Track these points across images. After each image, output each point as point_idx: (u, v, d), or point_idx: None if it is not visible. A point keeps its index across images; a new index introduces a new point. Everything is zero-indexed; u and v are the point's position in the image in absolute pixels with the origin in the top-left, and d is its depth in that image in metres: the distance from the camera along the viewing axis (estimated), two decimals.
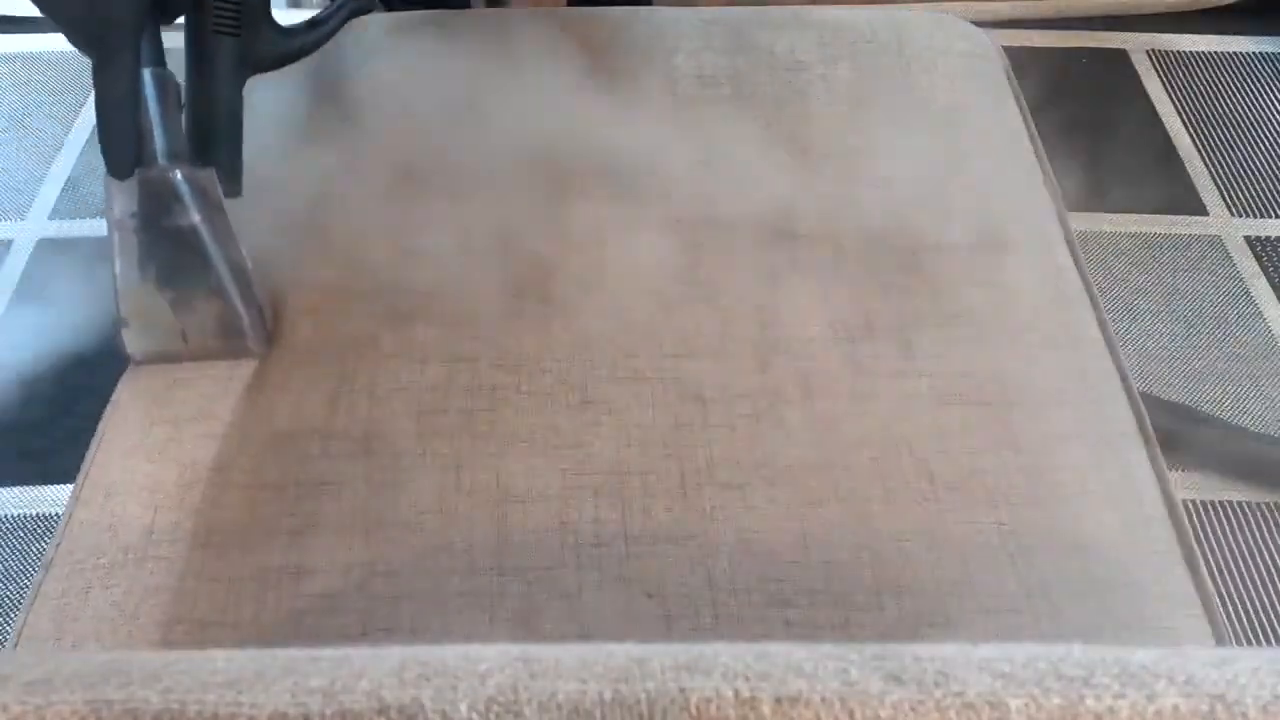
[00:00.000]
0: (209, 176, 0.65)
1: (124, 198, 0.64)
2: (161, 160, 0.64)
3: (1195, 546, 0.63)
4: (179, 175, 0.64)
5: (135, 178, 0.63)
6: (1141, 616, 0.59)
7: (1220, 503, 1.19)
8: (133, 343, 0.68)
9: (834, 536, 0.61)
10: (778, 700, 0.29)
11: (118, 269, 0.66)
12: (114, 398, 0.69)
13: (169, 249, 0.65)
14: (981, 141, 0.83)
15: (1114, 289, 1.39)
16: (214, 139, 0.68)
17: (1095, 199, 1.49)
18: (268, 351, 0.69)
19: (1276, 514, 1.18)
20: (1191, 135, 1.59)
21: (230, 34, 0.66)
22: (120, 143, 0.62)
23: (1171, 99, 1.65)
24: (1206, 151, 1.57)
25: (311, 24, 0.72)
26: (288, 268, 0.73)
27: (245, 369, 0.69)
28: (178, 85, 0.65)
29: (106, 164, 0.63)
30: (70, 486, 0.65)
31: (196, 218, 0.65)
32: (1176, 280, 1.41)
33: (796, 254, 0.74)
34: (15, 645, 0.59)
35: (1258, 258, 1.43)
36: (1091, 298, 0.74)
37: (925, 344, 0.69)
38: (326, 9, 0.73)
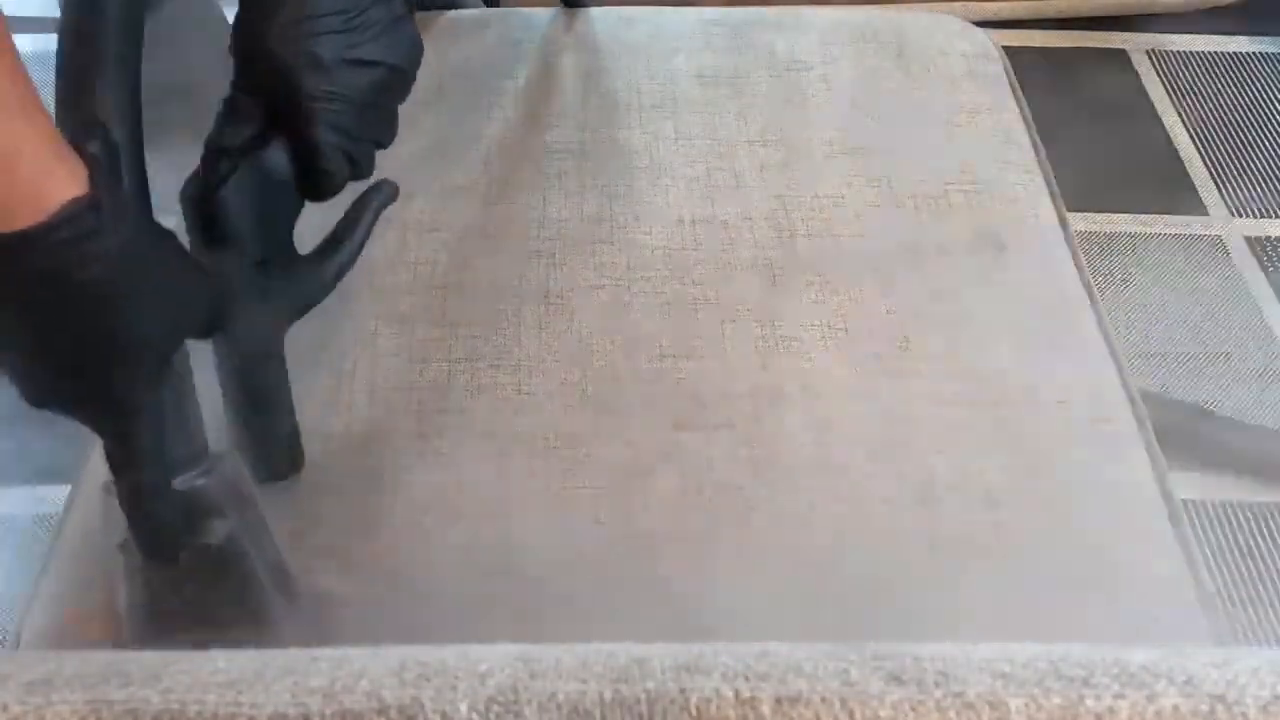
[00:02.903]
0: (237, 469, 0.53)
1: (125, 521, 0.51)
2: (179, 468, 0.50)
3: (1195, 546, 0.63)
4: (203, 483, 0.51)
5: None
6: (1141, 616, 0.59)
7: (1220, 503, 1.18)
8: (136, 636, 0.54)
9: (834, 536, 0.61)
10: (778, 700, 0.29)
11: (122, 599, 0.53)
12: None
13: (192, 568, 0.52)
14: (981, 141, 0.83)
15: (1114, 289, 1.39)
16: (256, 421, 0.59)
17: (1095, 199, 1.48)
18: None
19: (1277, 514, 1.18)
20: (1191, 135, 1.59)
21: (257, 301, 0.56)
22: (160, 530, 0.51)
23: (1171, 99, 1.65)
24: (1206, 151, 1.57)
25: (336, 238, 0.59)
26: None
27: None
28: (189, 368, 0.51)
29: (144, 552, 0.51)
30: (70, 487, 0.65)
31: (229, 528, 0.52)
32: (1176, 280, 1.40)
33: (796, 254, 0.74)
34: (15, 646, 0.59)
35: (1258, 258, 1.43)
36: (1091, 298, 0.74)
37: (925, 344, 0.69)
38: (347, 213, 0.60)
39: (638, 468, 0.64)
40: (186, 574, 0.52)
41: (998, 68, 0.89)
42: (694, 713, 0.29)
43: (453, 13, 0.93)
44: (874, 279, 0.73)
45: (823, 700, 0.29)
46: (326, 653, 0.32)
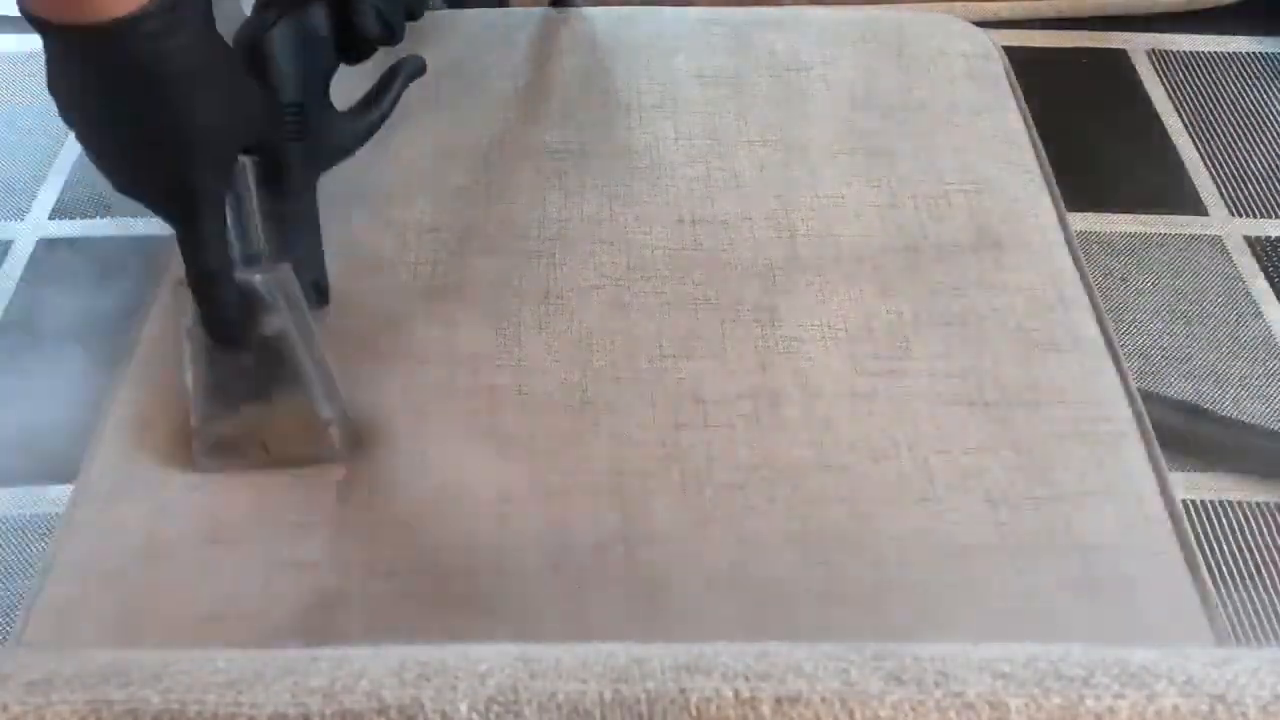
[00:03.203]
0: (289, 277, 0.61)
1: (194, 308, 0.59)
2: (239, 265, 0.59)
3: (1195, 546, 0.63)
4: (260, 279, 0.60)
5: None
6: (1141, 616, 0.59)
7: (1220, 503, 1.19)
8: (205, 460, 0.62)
9: (834, 536, 0.61)
10: (778, 700, 0.29)
11: (189, 381, 0.61)
12: (112, 398, 0.69)
13: (249, 357, 0.60)
14: (981, 141, 0.83)
15: (1114, 289, 1.39)
16: (293, 248, 0.64)
17: (1095, 199, 1.49)
18: (352, 455, 0.63)
19: (1277, 514, 1.18)
20: (1191, 135, 1.59)
21: (295, 139, 0.63)
22: (225, 313, 0.59)
23: (1171, 99, 1.65)
24: (1206, 151, 1.57)
25: (368, 100, 0.68)
26: None
27: None
28: (249, 185, 0.61)
29: (210, 335, 0.59)
30: (70, 487, 0.65)
31: (281, 323, 0.60)
32: (1176, 280, 1.41)
33: (796, 253, 0.74)
34: (14, 649, 0.59)
35: (1258, 258, 1.43)
36: (1091, 298, 0.74)
37: (925, 344, 0.70)
38: (380, 79, 0.69)
39: (638, 468, 0.64)
40: (244, 359, 0.60)
41: (998, 68, 0.89)
42: (694, 713, 0.29)
43: (453, 13, 0.93)
44: (874, 279, 0.73)
45: (823, 700, 0.29)
46: (326, 653, 0.32)
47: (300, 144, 0.64)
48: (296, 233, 0.66)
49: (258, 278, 0.60)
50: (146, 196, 0.55)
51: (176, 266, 0.58)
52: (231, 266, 0.58)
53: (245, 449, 0.62)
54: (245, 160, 0.60)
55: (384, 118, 0.68)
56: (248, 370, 0.61)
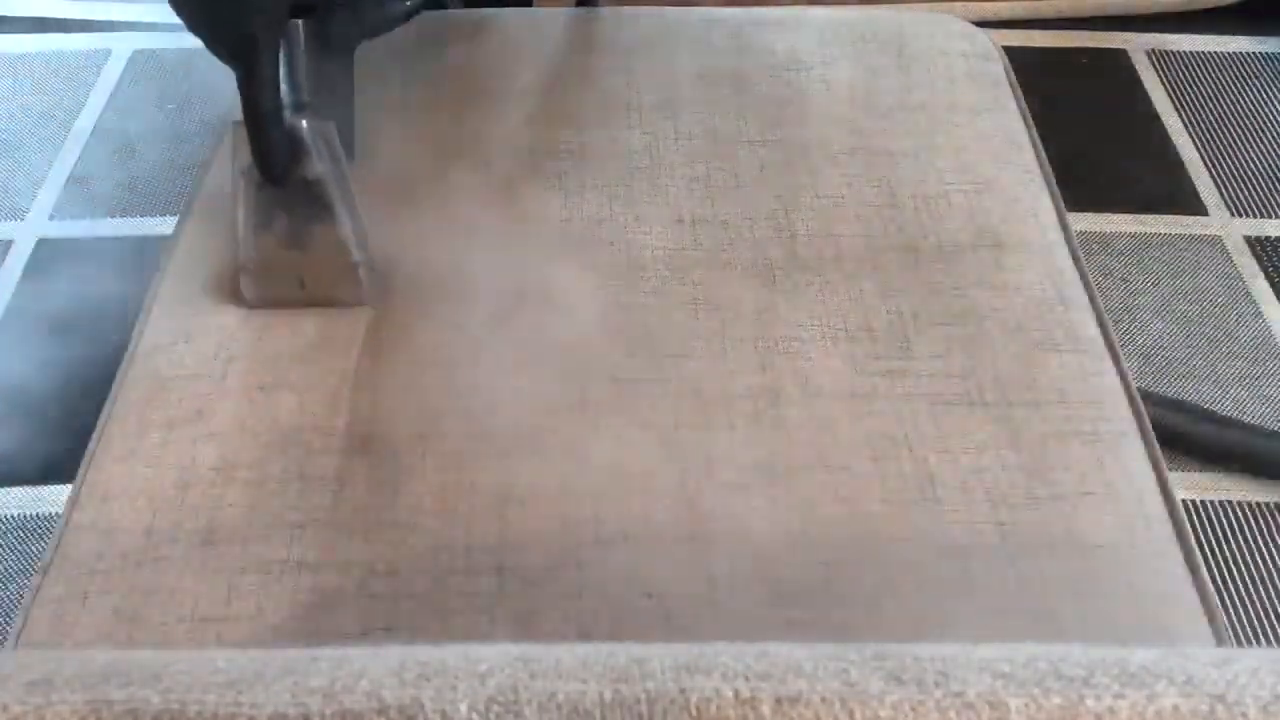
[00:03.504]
0: (331, 129, 0.67)
1: (248, 148, 0.65)
2: (288, 112, 0.66)
3: (1195, 546, 0.63)
4: (305, 125, 0.66)
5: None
6: (1141, 616, 0.59)
7: (1220, 503, 1.19)
8: (250, 289, 0.70)
9: (834, 536, 0.61)
10: (778, 700, 0.29)
11: (240, 217, 0.68)
12: (111, 399, 0.69)
13: (292, 198, 0.67)
14: (981, 141, 0.83)
15: (1114, 289, 1.39)
16: (330, 107, 0.70)
17: (1095, 199, 1.49)
18: (381, 300, 0.71)
19: (1277, 514, 1.18)
20: (1191, 135, 1.59)
21: (342, 3, 0.70)
22: (274, 150, 0.65)
23: (1171, 99, 1.65)
24: (1206, 151, 1.57)
25: None
26: None
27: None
28: (300, 42, 0.68)
29: (260, 171, 0.66)
30: (69, 487, 0.65)
31: (322, 168, 0.67)
32: (1176, 280, 1.41)
33: (796, 253, 0.74)
34: (14, 649, 0.59)
35: (1258, 258, 1.43)
36: (1091, 298, 0.74)
37: (925, 344, 0.70)
38: None
39: (638, 468, 0.64)
40: (289, 199, 0.67)
41: (998, 68, 0.89)
42: (694, 713, 0.29)
43: (453, 12, 0.93)
44: (874, 279, 0.73)
45: (823, 700, 0.29)
46: (326, 653, 0.32)
47: (345, 13, 0.71)
48: (333, 94, 0.72)
49: (303, 124, 0.66)
50: (211, 40, 0.63)
51: (235, 111, 0.65)
52: (281, 110, 0.65)
53: (285, 283, 0.70)
54: (296, 22, 0.68)
55: (420, 7, 0.76)
56: (290, 209, 0.68)
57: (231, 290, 0.71)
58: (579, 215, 0.77)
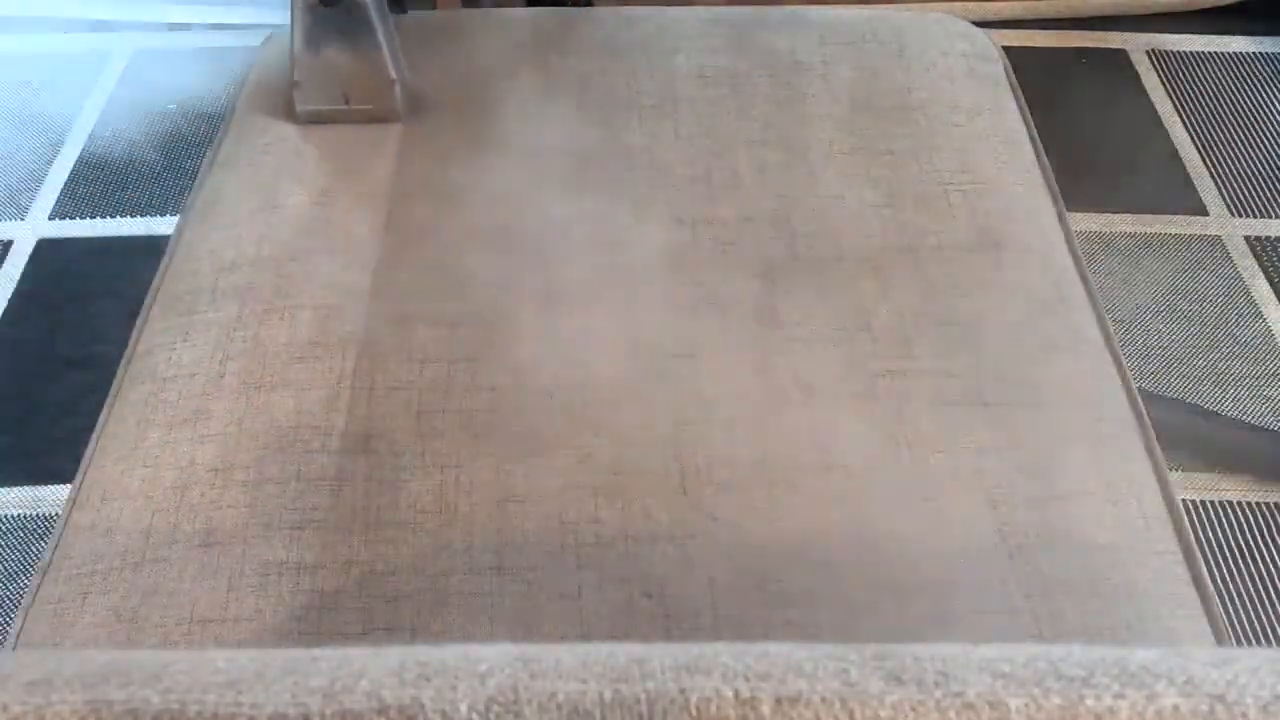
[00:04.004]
0: None
1: None
2: None
3: (1195, 546, 0.63)
4: None
5: None
6: (1141, 616, 0.59)
7: (1220, 503, 1.19)
8: (303, 101, 0.81)
9: (834, 536, 0.61)
10: (778, 700, 0.29)
11: (296, 37, 0.78)
12: (111, 399, 0.69)
13: (341, 21, 0.78)
14: (981, 141, 0.83)
15: (1114, 289, 1.39)
16: None
17: (1095, 199, 1.49)
18: (410, 118, 0.81)
19: (1277, 514, 1.18)
20: (1191, 135, 1.59)
21: None
22: None
23: (1171, 99, 1.65)
24: (1206, 151, 1.57)
25: None
26: None
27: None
28: None
29: None
30: (69, 487, 0.65)
31: None
32: (1176, 280, 1.41)
33: (796, 253, 0.74)
34: (14, 649, 0.59)
35: (1258, 258, 1.43)
36: (1091, 298, 0.74)
37: (925, 344, 0.69)
38: None
39: (638, 468, 0.64)
40: (338, 22, 0.78)
41: (998, 68, 0.89)
42: (694, 713, 0.29)
43: (453, 12, 0.93)
44: (874, 279, 0.73)
45: (823, 700, 0.29)
46: (326, 653, 0.32)
47: None
48: None
49: None
50: None
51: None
52: None
53: (330, 93, 0.80)
54: None
55: None
56: (338, 26, 0.78)
57: (285, 109, 0.82)
58: (579, 215, 0.77)
